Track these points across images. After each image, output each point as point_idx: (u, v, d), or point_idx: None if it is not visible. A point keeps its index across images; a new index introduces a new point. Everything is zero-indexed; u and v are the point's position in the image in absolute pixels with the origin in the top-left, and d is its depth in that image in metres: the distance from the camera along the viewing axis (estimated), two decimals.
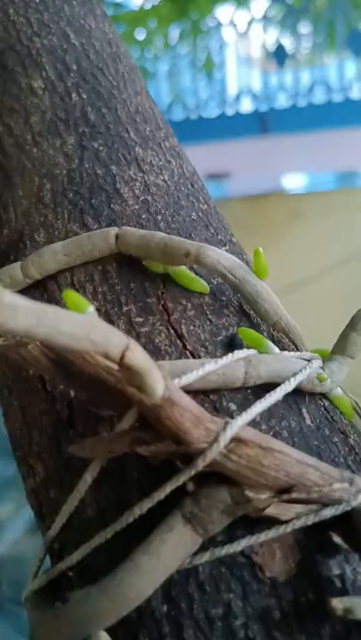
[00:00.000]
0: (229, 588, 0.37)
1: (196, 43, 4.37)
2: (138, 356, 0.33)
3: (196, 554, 0.37)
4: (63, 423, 0.44)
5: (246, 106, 4.47)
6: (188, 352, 0.44)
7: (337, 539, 0.37)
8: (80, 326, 0.31)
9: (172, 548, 0.36)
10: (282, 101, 4.41)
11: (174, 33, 4.31)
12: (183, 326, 0.45)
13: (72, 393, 0.44)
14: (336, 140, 4.52)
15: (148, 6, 3.86)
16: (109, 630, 0.37)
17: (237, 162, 4.86)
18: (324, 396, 0.46)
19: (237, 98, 4.45)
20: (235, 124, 4.38)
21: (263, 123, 4.31)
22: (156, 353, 0.44)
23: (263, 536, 0.37)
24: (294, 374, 0.42)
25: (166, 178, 0.55)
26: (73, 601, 0.37)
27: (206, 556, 0.37)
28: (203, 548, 0.37)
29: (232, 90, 4.59)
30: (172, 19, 3.92)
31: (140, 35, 4.13)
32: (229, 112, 4.44)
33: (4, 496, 2.29)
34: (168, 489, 0.37)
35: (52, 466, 0.45)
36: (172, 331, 0.45)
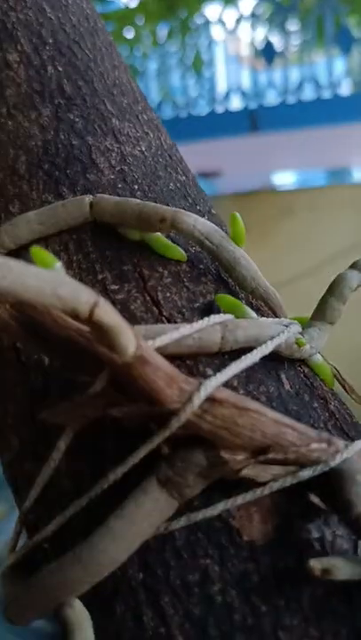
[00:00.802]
0: (206, 553, 0.36)
1: (185, 41, 4.38)
2: (107, 313, 0.32)
3: (172, 519, 0.36)
4: (38, 393, 0.43)
5: (236, 103, 4.47)
6: (164, 318, 0.43)
7: (315, 499, 0.36)
8: (46, 281, 0.30)
9: (148, 513, 0.35)
10: (271, 99, 4.41)
11: (163, 31, 4.31)
12: (159, 293, 0.44)
13: (46, 361, 0.43)
14: (325, 137, 4.53)
15: (135, 4, 3.85)
16: (85, 602, 0.36)
17: (227, 159, 4.87)
18: (304, 363, 0.45)
19: (227, 96, 4.45)
20: (224, 121, 4.38)
21: (253, 120, 4.31)
22: (131, 319, 0.43)
23: (240, 499, 0.36)
24: (272, 338, 0.41)
25: (143, 149, 0.54)
26: (46, 570, 0.37)
27: (182, 521, 0.36)
28: (179, 513, 0.36)
29: (221, 88, 4.59)
30: (160, 16, 3.92)
31: (129, 33, 4.12)
32: (219, 110, 4.45)
33: None
34: (142, 452, 0.36)
35: (26, 437, 0.44)
36: (147, 297, 0.44)
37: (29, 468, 0.43)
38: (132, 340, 0.33)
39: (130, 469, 0.37)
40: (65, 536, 0.39)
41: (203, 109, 4.44)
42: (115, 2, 4.23)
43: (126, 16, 4.04)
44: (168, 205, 0.49)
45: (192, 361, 0.41)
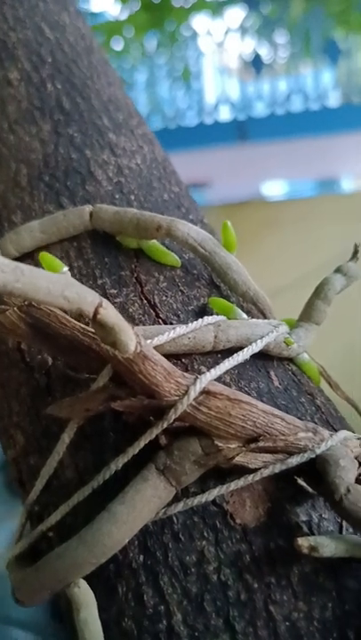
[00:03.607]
0: (202, 535, 0.39)
1: (173, 52, 4.41)
2: (110, 313, 0.35)
3: (170, 504, 0.39)
4: (41, 391, 0.46)
5: (224, 114, 4.51)
6: (160, 320, 0.46)
7: (301, 482, 0.39)
8: (55, 283, 0.33)
9: (147, 499, 0.38)
10: (260, 110, 4.46)
11: (151, 43, 4.35)
12: (156, 297, 0.47)
13: (50, 361, 0.46)
14: (314, 147, 4.57)
15: (124, 16, 3.89)
16: (89, 584, 0.39)
17: (216, 170, 4.90)
18: (292, 361, 0.48)
19: (215, 107, 4.49)
20: (213, 132, 4.41)
21: (241, 131, 4.35)
22: (130, 321, 0.45)
23: (233, 485, 0.39)
24: (262, 337, 0.44)
25: (139, 162, 0.57)
26: (53, 553, 0.39)
27: (180, 506, 0.39)
28: (176, 499, 0.39)
29: (210, 99, 4.63)
30: (148, 28, 3.95)
31: (118, 45, 4.16)
32: (208, 121, 4.48)
33: None
34: (142, 443, 0.39)
35: (31, 434, 0.47)
36: (145, 301, 0.47)
37: (34, 462, 0.46)
38: (132, 338, 0.36)
39: (129, 460, 0.40)
40: (69, 524, 0.42)
41: (191, 120, 4.48)
42: (103, 14, 4.27)
43: (115, 28, 4.08)
44: (163, 214, 0.52)
45: (187, 359, 0.44)
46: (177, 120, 4.47)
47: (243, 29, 4.45)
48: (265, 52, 4.46)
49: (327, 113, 4.31)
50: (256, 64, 4.44)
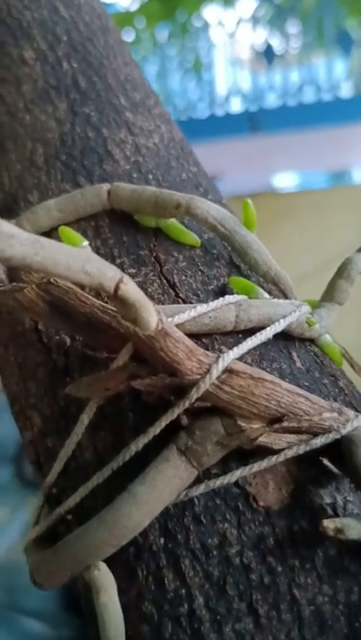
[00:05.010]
0: (224, 517, 0.38)
1: (185, 43, 4.39)
2: (131, 289, 0.34)
3: (191, 486, 0.38)
4: (59, 372, 0.45)
5: (236, 106, 4.49)
6: (180, 300, 0.45)
7: (327, 462, 0.38)
8: (75, 258, 0.32)
9: (168, 480, 0.37)
10: (271, 101, 4.43)
11: (162, 34, 4.33)
12: (175, 276, 0.46)
13: (68, 341, 0.45)
14: (326, 138, 4.54)
15: (135, 7, 3.87)
16: (109, 567, 0.38)
17: (228, 162, 4.88)
18: (314, 342, 0.47)
19: (227, 98, 4.46)
20: (225, 124, 4.39)
21: (253, 122, 4.33)
22: None
23: (256, 466, 0.38)
24: (284, 317, 0.43)
25: (156, 141, 0.56)
26: (72, 536, 0.38)
27: (201, 488, 0.38)
28: (198, 480, 0.38)
29: (221, 90, 4.60)
30: (159, 18, 3.93)
31: (129, 36, 4.14)
32: (219, 112, 4.46)
33: None
34: (163, 423, 0.38)
35: (48, 415, 0.46)
36: (164, 280, 0.46)
37: (52, 444, 0.45)
38: (154, 314, 0.35)
39: (150, 441, 0.39)
40: (88, 507, 0.41)
41: (203, 112, 4.47)
42: (114, 5, 4.26)
43: (126, 19, 4.06)
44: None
45: (208, 339, 0.43)
46: (188, 112, 4.45)
47: (254, 19, 4.42)
48: (277, 43, 4.43)
49: (340, 104, 4.28)
50: (268, 55, 4.41)
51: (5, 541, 2.10)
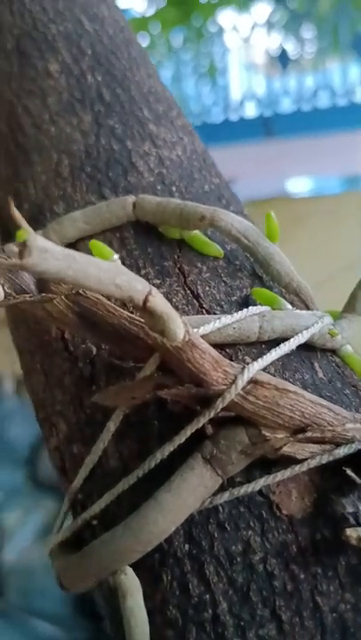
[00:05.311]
0: (248, 525, 0.39)
1: (200, 48, 4.40)
2: (160, 302, 0.35)
3: (216, 494, 0.39)
4: (85, 380, 0.46)
5: (250, 111, 4.49)
6: (204, 310, 0.46)
7: (350, 472, 0.39)
8: (106, 271, 0.33)
9: (193, 488, 0.38)
10: (286, 106, 4.43)
11: (177, 39, 4.34)
12: (199, 287, 0.47)
13: (94, 350, 0.46)
14: (340, 143, 4.54)
15: (150, 12, 3.88)
16: (134, 572, 0.39)
17: (242, 166, 4.88)
18: (335, 353, 0.48)
19: (241, 103, 4.47)
20: (239, 129, 4.40)
21: (267, 127, 4.34)
22: None
23: (280, 475, 0.39)
24: (307, 328, 0.44)
25: (179, 153, 0.57)
26: (98, 541, 0.39)
27: (226, 496, 0.39)
28: (222, 488, 0.39)
29: (236, 95, 4.61)
30: (174, 23, 3.94)
31: (144, 41, 4.16)
32: (233, 117, 4.47)
33: (12, 503, 2.27)
34: (188, 432, 0.39)
35: (74, 422, 0.47)
36: (188, 291, 0.47)
37: (78, 451, 0.46)
38: (181, 326, 0.36)
39: (175, 449, 0.40)
40: (113, 513, 0.42)
41: (217, 117, 4.48)
42: (129, 11, 4.28)
43: (141, 24, 4.08)
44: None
45: (232, 350, 0.44)
46: (203, 116, 4.46)
47: (269, 24, 4.43)
48: (292, 48, 4.44)
49: (354, 109, 4.28)
50: (283, 59, 4.42)
51: (19, 544, 2.11)
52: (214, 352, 0.37)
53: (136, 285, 0.34)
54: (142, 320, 0.38)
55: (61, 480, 0.49)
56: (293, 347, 0.43)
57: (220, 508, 0.40)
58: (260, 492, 0.40)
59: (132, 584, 0.38)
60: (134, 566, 0.39)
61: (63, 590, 0.41)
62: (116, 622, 0.40)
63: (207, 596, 0.38)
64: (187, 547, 0.40)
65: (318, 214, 3.74)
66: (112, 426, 0.42)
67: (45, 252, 0.30)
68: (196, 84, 4.55)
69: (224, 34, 4.49)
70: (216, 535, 0.39)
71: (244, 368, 0.38)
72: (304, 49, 4.43)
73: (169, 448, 0.40)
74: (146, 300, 0.34)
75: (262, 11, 4.42)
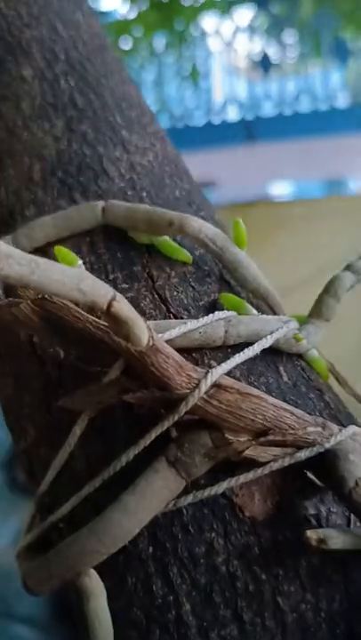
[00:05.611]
0: (212, 527, 0.40)
1: (182, 52, 4.40)
2: (124, 307, 0.35)
3: (180, 496, 0.40)
4: (53, 383, 0.47)
5: (232, 114, 4.50)
6: (171, 315, 0.47)
7: (311, 475, 0.39)
8: (70, 277, 0.33)
9: (157, 490, 0.39)
10: (268, 110, 4.45)
11: (160, 42, 4.35)
12: (167, 292, 0.48)
13: (62, 354, 0.47)
14: (322, 147, 4.56)
15: (132, 15, 3.88)
16: (99, 574, 0.40)
17: (224, 170, 4.90)
18: (301, 357, 0.49)
19: (223, 106, 4.48)
20: (221, 132, 4.41)
21: (249, 131, 4.35)
22: (141, 316, 0.46)
23: (243, 478, 0.39)
24: (271, 333, 0.45)
25: (151, 159, 0.58)
26: (64, 543, 0.40)
27: (189, 499, 0.40)
28: (186, 491, 0.40)
29: (218, 98, 4.62)
30: (156, 26, 3.95)
31: (126, 44, 4.15)
32: (216, 121, 4.48)
33: None
34: (153, 435, 0.40)
35: (42, 425, 0.47)
36: (156, 296, 0.48)
37: (45, 454, 0.46)
38: (145, 331, 0.37)
39: (140, 452, 0.41)
40: (80, 515, 0.43)
41: (199, 120, 4.49)
42: (112, 13, 4.28)
43: (123, 27, 4.07)
44: (174, 211, 0.53)
45: (198, 354, 0.45)
46: (185, 119, 4.47)
47: (251, 29, 4.44)
48: (273, 52, 4.46)
49: (336, 113, 4.31)
50: (264, 64, 4.43)
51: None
52: (178, 356, 0.38)
53: (100, 290, 0.34)
54: (107, 325, 0.39)
55: (30, 483, 0.49)
56: (257, 351, 0.43)
57: (184, 511, 0.40)
58: (223, 494, 0.40)
59: (95, 586, 0.39)
60: (99, 568, 0.39)
61: (28, 592, 0.42)
62: (83, 624, 0.40)
63: (171, 598, 0.39)
64: (151, 549, 0.40)
65: (300, 218, 3.76)
66: (78, 429, 0.42)
67: (9, 257, 0.31)
68: (178, 87, 4.56)
69: (207, 38, 4.50)
70: (180, 537, 0.40)
71: (207, 372, 0.38)
72: (286, 53, 4.45)
73: (134, 451, 0.40)
74: (110, 306, 0.35)
75: (244, 15, 4.43)
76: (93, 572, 0.39)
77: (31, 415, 0.48)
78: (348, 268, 0.49)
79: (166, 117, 4.41)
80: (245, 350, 0.43)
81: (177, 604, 0.39)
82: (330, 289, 0.48)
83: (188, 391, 0.38)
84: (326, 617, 0.38)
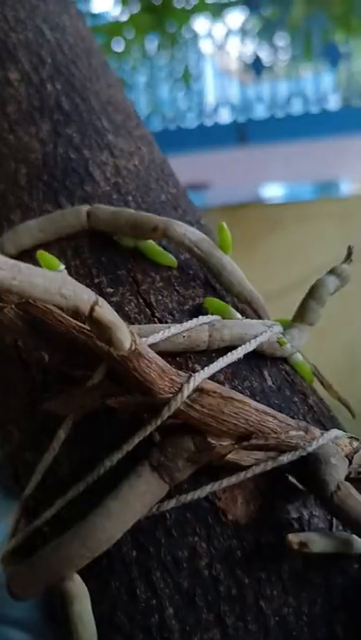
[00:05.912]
0: (194, 531, 0.40)
1: (174, 54, 4.41)
2: (106, 311, 0.35)
3: (163, 501, 0.40)
4: (38, 388, 0.47)
5: (224, 117, 4.50)
6: (156, 319, 0.47)
7: (292, 479, 0.40)
8: (52, 281, 0.33)
9: (141, 494, 0.39)
10: (259, 112, 4.45)
11: (152, 44, 4.35)
12: (152, 296, 0.48)
13: (46, 358, 0.47)
14: (313, 150, 4.58)
15: (124, 17, 3.89)
16: (83, 579, 0.40)
17: (216, 172, 4.91)
18: (285, 361, 0.49)
19: (215, 109, 4.48)
20: (213, 134, 4.41)
21: (241, 133, 4.35)
22: (126, 320, 0.46)
23: (225, 482, 0.39)
24: (255, 337, 0.45)
25: (137, 163, 0.58)
26: (48, 547, 0.40)
27: (172, 503, 0.40)
28: (169, 495, 0.40)
29: (210, 101, 4.62)
30: (148, 28, 3.95)
31: (118, 46, 4.16)
32: (208, 123, 4.48)
33: None
34: (136, 439, 0.40)
35: (27, 429, 0.47)
36: (141, 300, 0.48)
37: (30, 458, 0.47)
38: (127, 335, 0.37)
39: (124, 457, 0.41)
40: (64, 519, 0.43)
41: (191, 122, 4.48)
42: (104, 15, 4.28)
43: (115, 29, 4.07)
44: (160, 215, 0.53)
45: (182, 358, 0.45)
46: (177, 122, 4.47)
47: (243, 32, 4.45)
48: (265, 55, 4.46)
49: (327, 116, 4.32)
50: (256, 66, 4.43)
51: None
52: (161, 361, 0.38)
53: (82, 295, 0.35)
54: (90, 329, 0.39)
55: (15, 487, 0.49)
56: (241, 355, 0.43)
57: (168, 515, 0.40)
58: (206, 498, 0.40)
59: (79, 590, 0.39)
60: (83, 572, 0.39)
61: (12, 597, 0.41)
62: (68, 628, 0.40)
63: (154, 602, 0.39)
64: (134, 553, 0.40)
65: (292, 220, 3.77)
66: (62, 434, 0.42)
67: None
68: (170, 89, 4.56)
69: (199, 40, 4.50)
70: (163, 541, 0.40)
71: (190, 376, 0.38)
72: (277, 56, 4.46)
73: (117, 456, 0.40)
74: (92, 310, 0.35)
75: (236, 18, 4.44)
76: (77, 577, 0.39)
77: (16, 419, 0.48)
78: (332, 271, 0.49)
79: (158, 119, 4.41)
80: (229, 354, 0.43)
81: (160, 607, 0.39)
82: (314, 293, 0.48)
83: (170, 395, 0.38)
84: (308, 620, 0.38)
